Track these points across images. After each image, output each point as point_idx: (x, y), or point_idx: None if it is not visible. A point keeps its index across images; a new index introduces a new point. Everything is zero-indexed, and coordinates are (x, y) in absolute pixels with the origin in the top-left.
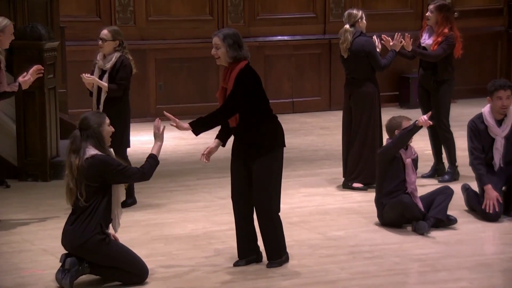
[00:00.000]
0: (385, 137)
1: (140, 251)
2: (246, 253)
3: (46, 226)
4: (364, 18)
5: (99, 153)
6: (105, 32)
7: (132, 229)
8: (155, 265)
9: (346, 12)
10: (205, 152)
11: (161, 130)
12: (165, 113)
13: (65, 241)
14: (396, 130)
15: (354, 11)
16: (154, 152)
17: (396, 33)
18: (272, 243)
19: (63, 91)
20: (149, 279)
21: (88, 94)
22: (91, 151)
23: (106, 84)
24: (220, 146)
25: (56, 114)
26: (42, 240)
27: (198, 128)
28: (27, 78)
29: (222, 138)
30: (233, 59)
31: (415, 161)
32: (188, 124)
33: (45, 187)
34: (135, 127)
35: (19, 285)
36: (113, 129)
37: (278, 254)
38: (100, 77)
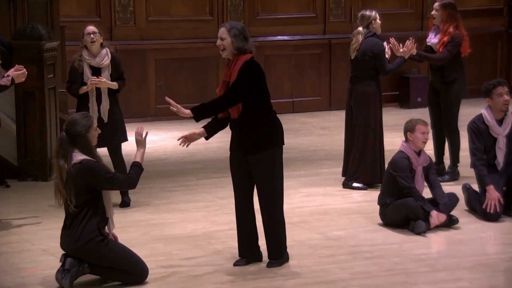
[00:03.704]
0: (402, 138)
1: (140, 251)
2: (247, 252)
3: (46, 226)
4: (378, 18)
5: (87, 158)
6: (92, 28)
7: (132, 229)
8: (155, 265)
9: (359, 14)
10: (187, 135)
11: (143, 136)
12: (167, 98)
13: (63, 245)
14: (408, 133)
15: (367, 13)
16: (138, 159)
17: (407, 40)
18: (274, 241)
19: (63, 91)
20: (149, 279)
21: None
22: (79, 156)
23: (115, 83)
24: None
25: (56, 114)
26: (42, 240)
27: (199, 114)
28: (19, 72)
29: (208, 130)
30: (238, 50)
31: (426, 168)
32: (189, 110)
33: (45, 187)
34: (135, 127)
35: (19, 285)
36: (99, 131)
37: (279, 253)
38: (93, 75)
